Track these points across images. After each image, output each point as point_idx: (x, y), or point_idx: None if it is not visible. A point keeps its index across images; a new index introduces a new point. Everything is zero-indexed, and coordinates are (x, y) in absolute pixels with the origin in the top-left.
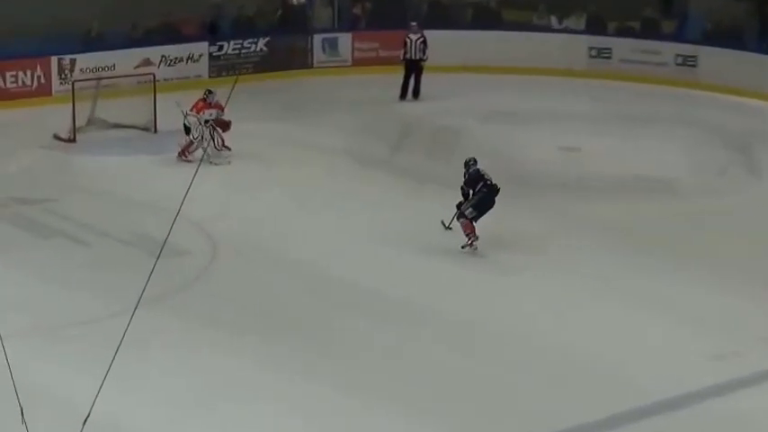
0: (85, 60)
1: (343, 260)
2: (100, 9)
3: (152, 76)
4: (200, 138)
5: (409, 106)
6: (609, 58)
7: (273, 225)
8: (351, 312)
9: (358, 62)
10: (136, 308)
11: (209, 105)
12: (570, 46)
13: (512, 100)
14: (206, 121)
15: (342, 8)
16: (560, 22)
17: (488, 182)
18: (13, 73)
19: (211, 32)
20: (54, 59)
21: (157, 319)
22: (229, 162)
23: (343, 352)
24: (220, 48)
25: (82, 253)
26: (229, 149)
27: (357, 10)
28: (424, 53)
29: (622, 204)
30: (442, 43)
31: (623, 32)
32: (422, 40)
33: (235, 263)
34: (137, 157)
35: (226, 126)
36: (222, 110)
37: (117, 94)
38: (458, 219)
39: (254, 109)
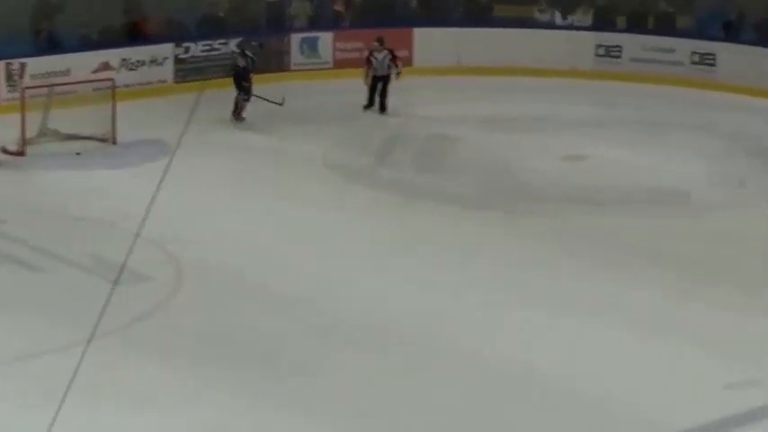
0: (37, 64)
1: (322, 284)
2: (52, 6)
3: (111, 82)
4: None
5: (398, 112)
6: (618, 57)
7: (243, 246)
8: (328, 342)
9: (340, 64)
10: (89, 342)
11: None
12: (575, 44)
13: (510, 105)
14: None
15: (322, 4)
16: (564, 17)
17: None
18: None
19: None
20: (1, 64)
21: (113, 355)
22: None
23: (307, 382)
24: (187, 50)
25: (33, 280)
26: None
27: (339, 6)
28: (395, 67)
29: (633, 219)
30: (434, 42)
31: (634, 28)
32: (389, 57)
33: (199, 290)
34: (94, 171)
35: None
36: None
37: (72, 101)
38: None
39: (224, 117)
